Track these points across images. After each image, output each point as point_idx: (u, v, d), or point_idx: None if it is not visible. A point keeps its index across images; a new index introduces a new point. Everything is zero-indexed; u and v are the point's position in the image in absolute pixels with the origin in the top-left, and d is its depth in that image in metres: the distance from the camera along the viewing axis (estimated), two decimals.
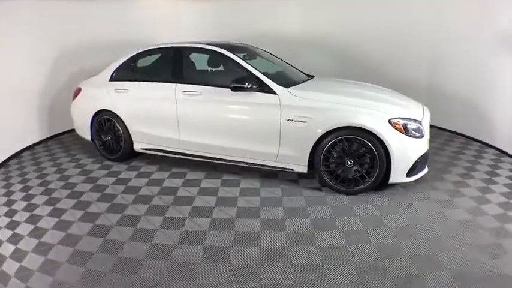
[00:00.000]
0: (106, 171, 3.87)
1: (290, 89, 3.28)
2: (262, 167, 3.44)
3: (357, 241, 2.45)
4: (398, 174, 3.01)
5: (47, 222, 2.86)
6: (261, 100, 3.26)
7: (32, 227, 2.80)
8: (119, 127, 3.96)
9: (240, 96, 3.32)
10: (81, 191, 3.40)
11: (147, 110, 3.77)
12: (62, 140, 5.09)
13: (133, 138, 3.94)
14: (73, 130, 5.27)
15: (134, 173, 3.79)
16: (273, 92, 3.25)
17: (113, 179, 3.66)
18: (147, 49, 3.95)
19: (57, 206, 3.14)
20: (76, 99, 4.27)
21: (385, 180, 3.05)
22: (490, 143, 4.32)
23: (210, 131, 3.50)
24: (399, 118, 2.98)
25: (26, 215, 3.00)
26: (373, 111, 3.00)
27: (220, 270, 2.22)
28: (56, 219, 2.90)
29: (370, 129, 2.93)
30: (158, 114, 3.72)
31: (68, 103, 4.74)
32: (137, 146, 3.97)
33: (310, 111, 3.09)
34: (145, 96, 3.79)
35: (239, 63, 3.43)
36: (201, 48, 3.70)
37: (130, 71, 4.03)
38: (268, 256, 2.33)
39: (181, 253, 2.40)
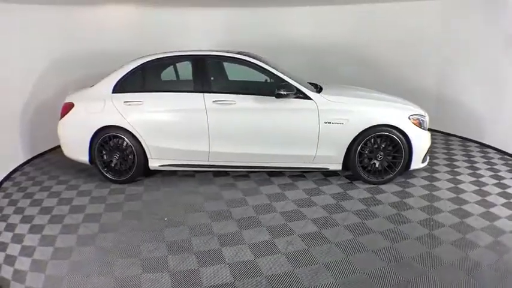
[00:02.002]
0: (122, 195, 3.45)
1: (322, 94, 3.55)
2: (293, 170, 3.63)
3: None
4: (416, 162, 3.57)
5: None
6: (300, 106, 3.44)
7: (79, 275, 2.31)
8: (130, 144, 3.56)
9: (279, 103, 3.42)
10: (112, 222, 2.97)
11: (169, 123, 3.52)
12: (38, 164, 4.26)
13: (149, 155, 3.60)
14: (46, 152, 4.60)
15: (156, 193, 3.48)
16: (308, 98, 3.46)
17: (138, 203, 3.29)
18: (158, 57, 3.65)
19: (99, 243, 2.67)
20: (67, 116, 3.63)
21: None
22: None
23: (247, 139, 3.49)
24: (415, 115, 3.55)
25: (63, 264, 2.44)
26: (397, 110, 3.52)
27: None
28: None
29: (397, 126, 3.41)
30: (183, 126, 3.51)
31: (43, 122, 4.16)
32: (154, 164, 3.63)
33: (346, 113, 3.42)
34: (165, 108, 3.52)
35: (271, 72, 3.52)
36: (229, 57, 3.65)
37: (141, 81, 3.68)
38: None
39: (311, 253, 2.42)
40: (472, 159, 4.26)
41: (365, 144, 3.48)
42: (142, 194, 3.46)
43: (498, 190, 3.43)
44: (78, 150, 3.67)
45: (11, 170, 3.93)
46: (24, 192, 3.51)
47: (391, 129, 3.43)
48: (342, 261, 2.42)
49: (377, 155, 3.52)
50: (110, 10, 5.13)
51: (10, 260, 2.49)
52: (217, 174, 3.86)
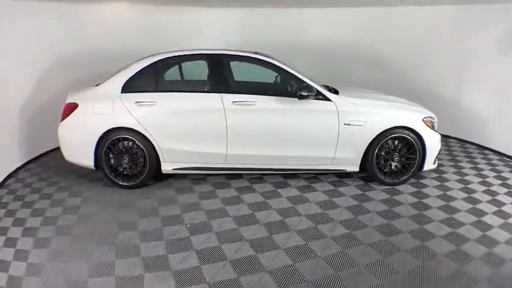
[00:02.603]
0: (133, 201, 3.22)
1: (340, 95, 3.55)
2: (310, 171, 3.60)
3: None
4: (429, 163, 3.65)
5: None
6: (320, 107, 3.41)
7: None
8: (142, 147, 3.35)
9: (299, 104, 3.38)
10: (129, 231, 2.76)
11: (184, 124, 3.36)
12: (34, 170, 3.92)
13: (161, 158, 3.41)
14: (41, 156, 4.26)
15: (170, 198, 3.29)
16: (328, 99, 3.45)
17: (152, 209, 3.09)
18: (171, 55, 3.48)
19: (119, 256, 2.46)
20: (70, 117, 3.35)
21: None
22: None
23: (266, 141, 3.41)
24: (428, 117, 3.63)
25: (81, 281, 2.22)
26: (412, 113, 3.58)
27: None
28: None
29: (413, 128, 3.47)
30: (200, 128, 3.36)
31: (40, 125, 3.95)
32: (167, 167, 3.44)
33: (365, 115, 3.43)
34: (181, 108, 3.35)
35: (291, 73, 3.47)
36: (248, 57, 3.54)
37: (153, 80, 3.49)
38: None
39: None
40: (474, 160, 4.44)
41: (381, 146, 3.53)
42: (156, 199, 3.26)
43: (505, 190, 3.58)
44: (81, 153, 3.40)
45: (4, 176, 3.56)
46: (22, 201, 3.19)
47: (407, 131, 3.50)
48: (380, 262, 2.40)
49: (393, 156, 3.57)
50: (115, 8, 4.87)
51: (15, 282, 2.19)
52: (231, 177, 3.73)
